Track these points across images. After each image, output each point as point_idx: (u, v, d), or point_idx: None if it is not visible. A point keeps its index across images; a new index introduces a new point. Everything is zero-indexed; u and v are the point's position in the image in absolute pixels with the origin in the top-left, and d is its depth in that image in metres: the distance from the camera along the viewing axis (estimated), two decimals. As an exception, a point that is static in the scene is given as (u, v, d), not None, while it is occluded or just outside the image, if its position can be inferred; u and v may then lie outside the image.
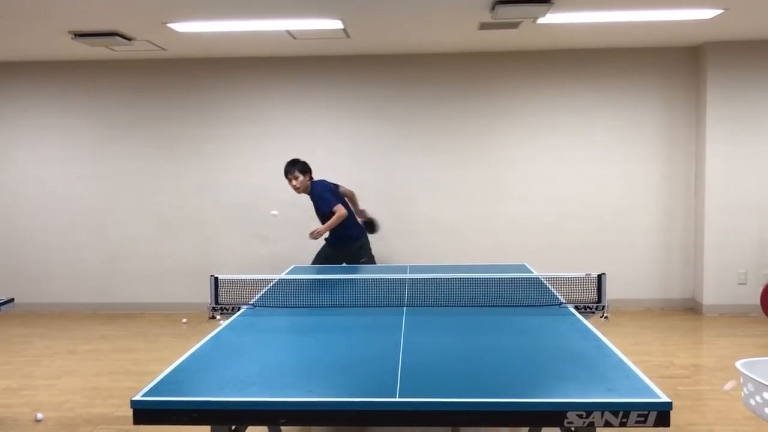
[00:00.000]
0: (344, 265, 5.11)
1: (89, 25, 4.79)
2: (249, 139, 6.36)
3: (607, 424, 1.77)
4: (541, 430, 3.22)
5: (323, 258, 5.28)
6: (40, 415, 3.78)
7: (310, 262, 5.37)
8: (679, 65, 6.10)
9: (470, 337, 2.52)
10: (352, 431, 3.57)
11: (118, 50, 5.76)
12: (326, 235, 5.26)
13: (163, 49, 5.79)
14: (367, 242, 5.34)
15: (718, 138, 5.91)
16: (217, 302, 3.21)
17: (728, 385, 3.12)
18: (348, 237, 5.21)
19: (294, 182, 5.04)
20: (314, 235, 5.03)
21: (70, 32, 5.03)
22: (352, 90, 6.29)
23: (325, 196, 5.09)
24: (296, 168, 5.05)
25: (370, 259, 5.32)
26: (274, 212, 5.72)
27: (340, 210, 5.03)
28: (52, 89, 6.44)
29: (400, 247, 6.29)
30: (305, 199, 6.24)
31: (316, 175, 5.38)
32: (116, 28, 4.92)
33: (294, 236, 6.37)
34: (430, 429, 3.50)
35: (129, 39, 5.20)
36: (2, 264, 6.61)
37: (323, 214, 5.12)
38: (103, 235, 6.52)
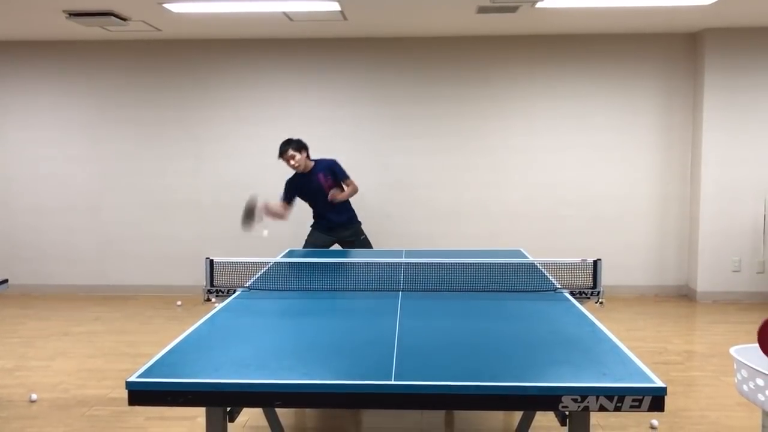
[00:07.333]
0: (335, 248, 5.09)
1: (84, 4, 4.73)
2: (245, 121, 6.33)
3: (602, 409, 1.78)
4: (535, 414, 3.24)
5: (315, 244, 5.22)
6: (34, 396, 3.79)
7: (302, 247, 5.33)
8: (677, 51, 6.08)
9: (466, 321, 2.52)
10: (348, 414, 3.59)
11: (113, 30, 5.70)
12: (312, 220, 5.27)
13: (159, 30, 5.73)
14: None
15: (715, 125, 5.91)
16: (212, 285, 3.20)
17: (265, 232, 3.19)
18: (354, 215, 5.26)
19: (292, 161, 4.99)
20: (335, 196, 4.98)
21: (64, 11, 4.97)
22: (348, 73, 6.25)
23: (340, 166, 5.09)
24: (291, 147, 4.98)
25: (367, 241, 5.30)
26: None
27: (354, 183, 5.12)
28: (46, 70, 6.37)
29: (396, 232, 6.28)
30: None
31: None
32: (111, 8, 4.87)
33: (290, 220, 6.35)
34: (425, 412, 3.52)
35: (124, 19, 5.15)
36: (-4, 245, 6.59)
37: (330, 188, 5.06)
38: (98, 217, 6.49)
